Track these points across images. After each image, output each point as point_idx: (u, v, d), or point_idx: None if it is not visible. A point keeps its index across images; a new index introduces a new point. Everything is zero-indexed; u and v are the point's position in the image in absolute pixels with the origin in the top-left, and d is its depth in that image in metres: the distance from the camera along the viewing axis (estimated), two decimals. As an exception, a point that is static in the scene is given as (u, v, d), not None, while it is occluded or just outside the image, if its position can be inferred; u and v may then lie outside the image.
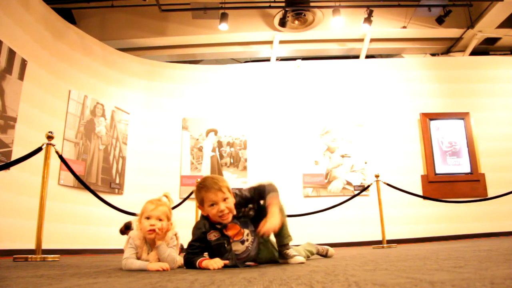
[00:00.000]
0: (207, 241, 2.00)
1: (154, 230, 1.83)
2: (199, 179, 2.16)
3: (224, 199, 1.96)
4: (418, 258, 1.89)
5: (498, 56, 7.96)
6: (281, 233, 2.11)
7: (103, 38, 6.82)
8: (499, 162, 6.89)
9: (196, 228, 2.04)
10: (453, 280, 0.90)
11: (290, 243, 2.14)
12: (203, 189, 1.98)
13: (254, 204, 2.12)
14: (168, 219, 1.91)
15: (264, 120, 7.18)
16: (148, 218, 1.86)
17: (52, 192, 4.29)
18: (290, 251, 2.10)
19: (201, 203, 2.02)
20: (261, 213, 2.05)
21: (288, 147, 6.96)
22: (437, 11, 7.16)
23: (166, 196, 2.00)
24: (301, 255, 2.11)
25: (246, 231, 2.05)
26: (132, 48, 7.43)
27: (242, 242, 2.04)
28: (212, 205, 1.96)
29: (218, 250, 1.99)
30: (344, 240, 6.31)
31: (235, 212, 2.02)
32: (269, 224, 1.93)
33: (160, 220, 1.86)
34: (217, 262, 1.80)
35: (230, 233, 2.01)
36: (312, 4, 7.00)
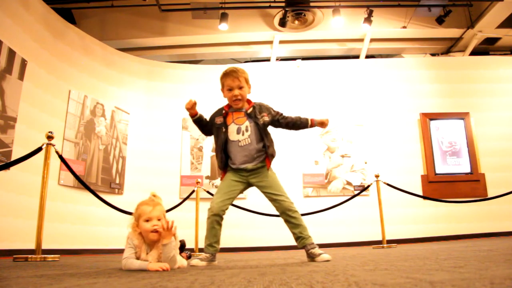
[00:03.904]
0: (213, 123, 2.45)
1: (157, 231, 1.83)
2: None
3: (240, 88, 2.36)
4: (418, 258, 1.89)
5: (498, 56, 7.96)
6: (302, 234, 2.26)
7: (103, 38, 6.82)
8: (499, 162, 6.89)
9: (214, 111, 2.51)
10: (453, 280, 0.90)
11: (313, 241, 2.27)
12: (224, 75, 2.41)
13: (275, 120, 2.47)
14: (164, 216, 1.92)
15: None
16: (147, 220, 1.85)
17: (52, 192, 4.30)
18: (316, 250, 2.20)
19: (222, 88, 2.45)
20: (274, 123, 2.47)
21: (288, 147, 6.96)
22: (437, 11, 7.16)
23: (154, 195, 2.00)
24: (326, 253, 2.20)
25: (247, 124, 2.37)
26: (132, 48, 7.43)
27: (238, 130, 2.36)
28: (229, 90, 2.37)
29: (217, 132, 2.41)
30: (344, 240, 6.31)
31: (245, 100, 2.41)
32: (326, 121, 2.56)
33: (159, 219, 1.87)
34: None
35: (234, 116, 2.39)
36: (312, 4, 7.00)
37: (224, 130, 2.38)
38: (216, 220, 2.32)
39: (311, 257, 2.20)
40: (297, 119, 2.50)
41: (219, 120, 2.43)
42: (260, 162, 2.37)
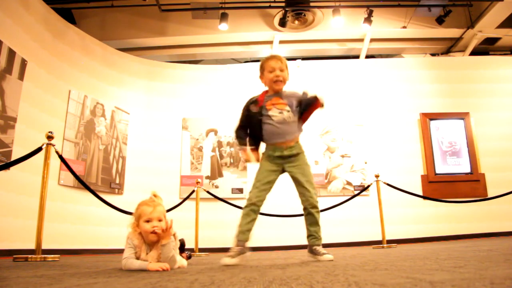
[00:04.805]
0: (249, 114, 2.45)
1: (156, 232, 1.83)
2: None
3: (281, 70, 2.40)
4: (418, 258, 1.89)
5: (498, 56, 7.96)
6: (316, 235, 2.36)
7: (103, 38, 6.82)
8: (499, 162, 6.89)
9: (247, 101, 2.51)
10: (453, 280, 0.90)
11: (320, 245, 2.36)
12: (266, 59, 2.44)
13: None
14: (165, 217, 1.91)
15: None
16: (148, 221, 1.85)
17: (52, 192, 4.30)
18: (320, 248, 2.31)
19: (262, 71, 2.47)
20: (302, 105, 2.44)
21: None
22: (437, 11, 7.16)
23: (155, 195, 1.99)
24: (329, 253, 2.28)
25: (288, 108, 2.39)
26: (132, 48, 7.43)
27: (281, 112, 2.38)
28: (271, 72, 2.39)
29: (253, 118, 2.42)
30: (344, 240, 6.31)
31: (286, 83, 2.45)
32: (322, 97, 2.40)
33: (160, 220, 1.86)
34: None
35: (272, 102, 2.41)
36: (312, 4, 7.00)
37: (262, 113, 2.41)
38: (252, 209, 2.34)
39: (314, 254, 2.30)
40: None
41: (254, 108, 2.45)
42: (295, 140, 2.41)
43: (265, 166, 2.43)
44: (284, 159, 2.39)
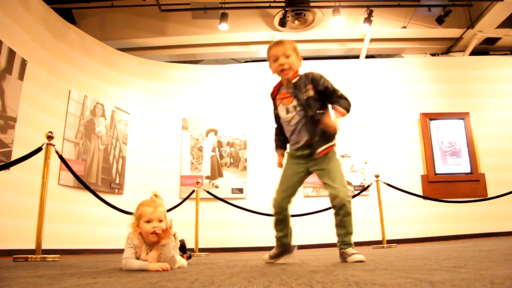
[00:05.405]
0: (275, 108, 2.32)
1: (157, 233, 1.82)
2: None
3: (286, 56, 2.13)
4: (418, 258, 1.89)
5: (498, 56, 7.96)
6: (340, 238, 2.07)
7: (103, 38, 6.82)
8: (499, 162, 6.89)
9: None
10: (453, 280, 0.90)
11: (349, 248, 2.04)
12: (270, 46, 2.21)
13: (320, 93, 2.15)
14: (165, 217, 1.91)
15: (264, 120, 7.17)
16: (148, 221, 1.84)
17: (52, 192, 4.30)
18: (348, 250, 1.99)
19: (269, 61, 2.24)
20: (322, 98, 2.16)
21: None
22: (437, 11, 7.16)
23: (156, 196, 1.99)
24: (359, 253, 1.97)
25: (294, 103, 2.14)
26: (132, 48, 7.43)
27: (287, 111, 2.17)
28: (275, 60, 2.16)
29: (276, 114, 2.30)
30: (344, 240, 6.30)
31: (295, 70, 2.17)
32: (330, 122, 2.12)
33: (160, 221, 1.86)
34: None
35: (280, 96, 2.23)
36: (312, 4, 7.00)
37: (276, 111, 2.29)
38: (279, 218, 2.25)
39: (342, 257, 2.01)
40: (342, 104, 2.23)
41: (273, 102, 2.34)
42: (317, 142, 2.11)
43: (287, 168, 2.23)
44: (307, 158, 2.15)
